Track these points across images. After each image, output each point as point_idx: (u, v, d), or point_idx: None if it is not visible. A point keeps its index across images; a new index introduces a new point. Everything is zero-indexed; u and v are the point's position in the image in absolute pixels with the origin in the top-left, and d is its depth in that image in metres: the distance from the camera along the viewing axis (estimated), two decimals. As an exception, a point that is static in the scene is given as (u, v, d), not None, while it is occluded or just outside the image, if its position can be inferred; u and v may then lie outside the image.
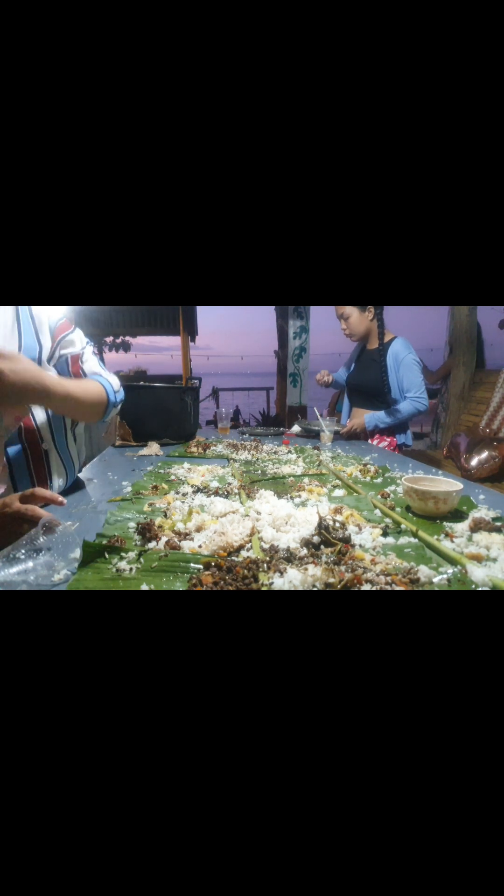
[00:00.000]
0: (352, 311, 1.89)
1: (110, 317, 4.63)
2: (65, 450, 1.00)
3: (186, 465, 1.27)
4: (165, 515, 0.82)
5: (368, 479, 1.15)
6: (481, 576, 0.58)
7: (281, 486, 1.07)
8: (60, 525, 0.67)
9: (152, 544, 0.69)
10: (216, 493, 0.97)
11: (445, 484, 0.87)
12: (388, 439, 1.87)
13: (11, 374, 0.72)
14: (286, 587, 0.55)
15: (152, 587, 0.57)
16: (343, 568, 0.60)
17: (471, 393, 3.36)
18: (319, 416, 1.86)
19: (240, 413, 6.47)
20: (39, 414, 0.94)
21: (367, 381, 1.91)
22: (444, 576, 0.60)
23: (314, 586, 0.56)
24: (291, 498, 0.95)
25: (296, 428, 1.99)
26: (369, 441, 1.86)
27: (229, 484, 1.05)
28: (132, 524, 0.77)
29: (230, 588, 0.55)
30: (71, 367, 0.98)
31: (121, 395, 1.04)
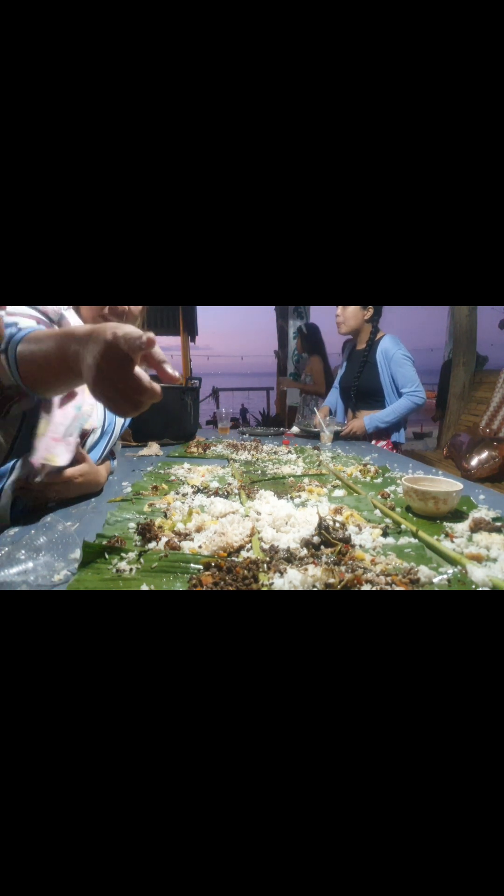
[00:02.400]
0: None
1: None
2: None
3: (186, 465, 1.27)
4: (165, 516, 0.82)
5: (368, 479, 1.15)
6: (481, 576, 0.58)
7: (281, 486, 1.07)
8: (61, 525, 0.67)
9: (152, 545, 0.69)
10: (216, 494, 0.97)
11: (445, 484, 0.87)
12: (385, 439, 1.87)
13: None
14: (286, 587, 0.55)
15: (152, 587, 0.57)
16: (343, 568, 0.60)
17: (471, 393, 3.36)
18: (319, 416, 1.86)
19: (247, 411, 6.43)
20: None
21: (361, 381, 1.90)
22: (444, 576, 0.60)
23: (314, 586, 0.56)
24: (291, 498, 0.95)
25: (295, 428, 1.99)
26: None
27: (229, 484, 1.05)
28: (132, 524, 0.77)
29: (230, 588, 0.55)
30: None
31: None
